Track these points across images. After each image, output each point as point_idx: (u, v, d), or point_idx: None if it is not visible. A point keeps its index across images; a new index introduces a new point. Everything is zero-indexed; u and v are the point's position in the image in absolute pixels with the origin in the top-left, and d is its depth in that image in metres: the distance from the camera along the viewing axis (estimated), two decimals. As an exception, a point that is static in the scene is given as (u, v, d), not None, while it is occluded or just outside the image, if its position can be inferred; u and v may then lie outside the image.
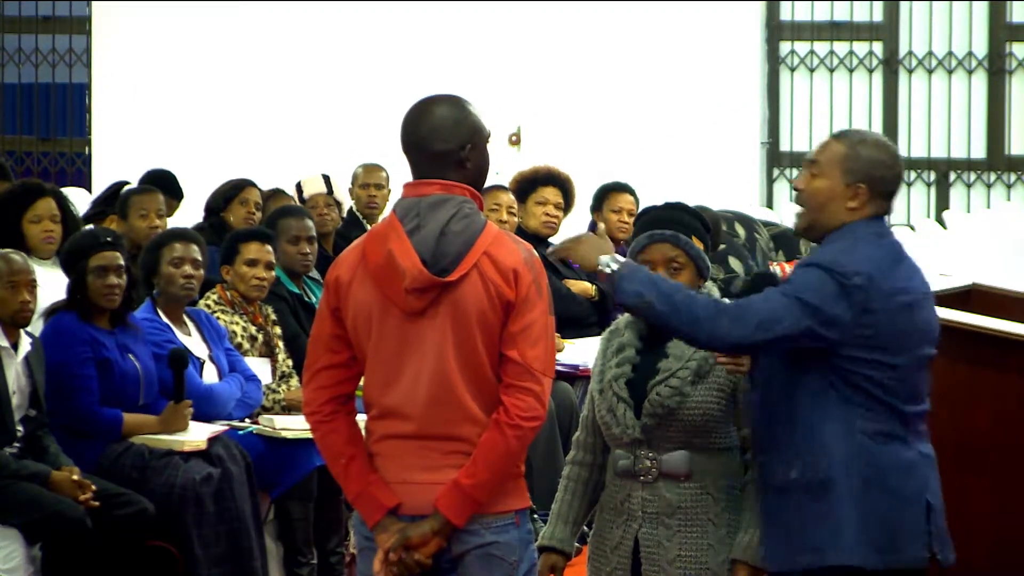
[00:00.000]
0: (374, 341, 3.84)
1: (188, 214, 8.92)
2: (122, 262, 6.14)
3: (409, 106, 3.95)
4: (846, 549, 3.89)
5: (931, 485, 4.00)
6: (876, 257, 3.95)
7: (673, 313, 3.89)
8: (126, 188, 8.11)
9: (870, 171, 4.01)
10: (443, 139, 3.87)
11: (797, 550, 3.95)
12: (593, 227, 8.78)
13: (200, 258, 6.49)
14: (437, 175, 3.88)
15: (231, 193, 8.35)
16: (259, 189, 8.49)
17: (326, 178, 8.49)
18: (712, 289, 4.36)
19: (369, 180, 9.06)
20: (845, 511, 3.89)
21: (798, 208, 4.15)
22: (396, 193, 8.59)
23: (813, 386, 3.94)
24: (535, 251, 3.96)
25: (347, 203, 8.83)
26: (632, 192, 8.76)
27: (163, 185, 8.45)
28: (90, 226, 7.59)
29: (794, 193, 4.19)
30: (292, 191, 8.71)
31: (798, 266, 4.00)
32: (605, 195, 8.74)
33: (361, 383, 3.95)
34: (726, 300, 4.01)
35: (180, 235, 6.60)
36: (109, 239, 6.19)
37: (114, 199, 8.00)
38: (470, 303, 3.79)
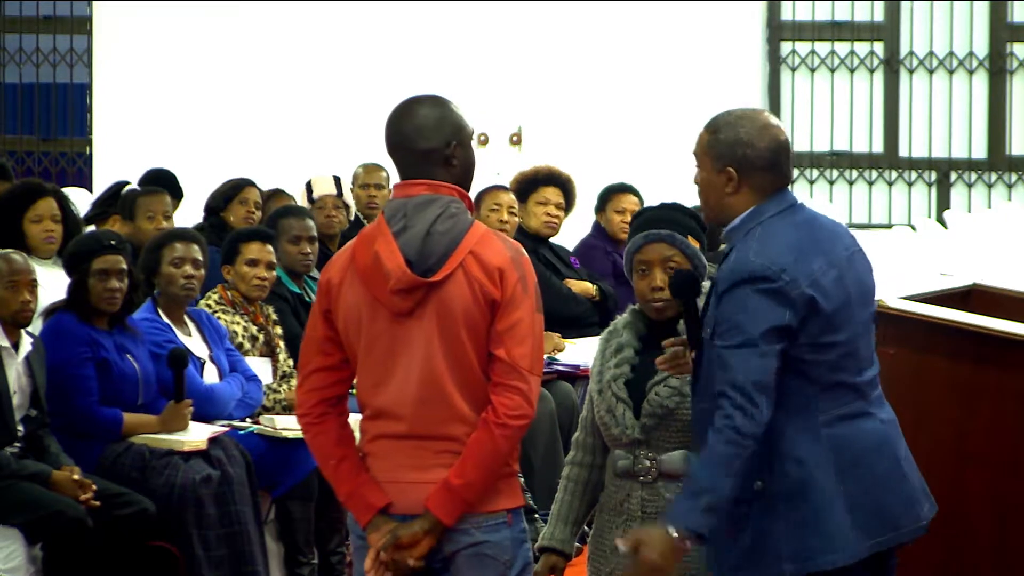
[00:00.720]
0: (364, 342, 3.85)
1: (188, 214, 8.92)
2: (124, 266, 6.15)
3: (394, 107, 3.96)
4: (830, 552, 3.80)
5: (900, 450, 3.92)
6: (791, 240, 3.82)
7: (727, 484, 3.71)
8: (129, 189, 8.10)
9: (732, 152, 3.89)
10: (427, 137, 3.88)
11: (771, 560, 3.83)
12: (596, 228, 8.78)
13: (201, 258, 6.50)
14: (424, 175, 3.88)
15: (231, 193, 8.34)
16: (259, 189, 8.48)
17: (336, 179, 8.47)
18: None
19: (369, 180, 9.06)
20: (826, 511, 3.80)
21: None
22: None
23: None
24: (524, 250, 3.95)
25: (354, 206, 8.83)
26: (636, 193, 8.76)
27: (163, 184, 8.44)
28: (91, 227, 7.60)
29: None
30: (295, 191, 8.71)
31: (723, 292, 3.80)
32: (609, 196, 8.74)
33: (355, 383, 3.96)
34: (724, 411, 3.75)
35: (181, 235, 6.60)
36: (113, 242, 6.19)
37: (115, 200, 8.00)
38: (456, 303, 3.80)
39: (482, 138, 10.75)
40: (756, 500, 3.82)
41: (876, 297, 4.13)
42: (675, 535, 3.69)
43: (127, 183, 8.47)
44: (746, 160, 3.89)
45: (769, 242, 3.82)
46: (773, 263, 3.77)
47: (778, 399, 3.77)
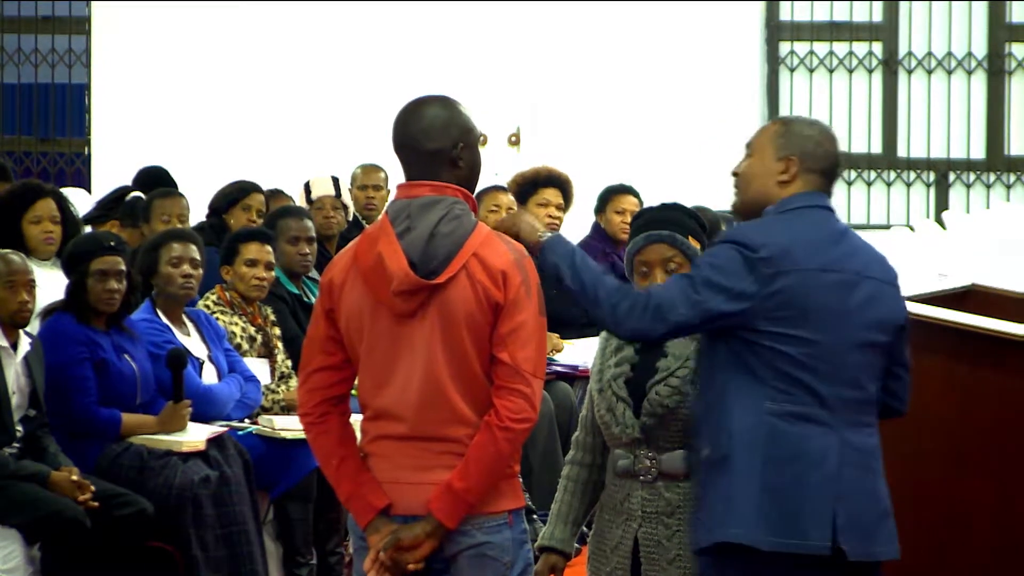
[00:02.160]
0: (366, 343, 3.85)
1: (190, 214, 8.91)
2: (123, 267, 6.15)
3: (401, 107, 3.96)
4: (734, 526, 3.83)
5: (847, 474, 3.89)
6: (798, 229, 3.93)
7: (580, 292, 3.93)
8: (135, 195, 8.10)
9: (801, 144, 4.02)
10: (434, 138, 3.87)
11: (695, 527, 3.94)
12: (595, 228, 8.78)
13: (198, 257, 6.49)
14: (429, 175, 3.88)
15: (235, 196, 8.25)
16: (264, 195, 8.39)
17: (335, 180, 8.46)
18: None
19: (367, 181, 9.05)
20: (741, 488, 3.84)
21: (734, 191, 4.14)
22: (394, 195, 8.53)
23: (727, 365, 3.92)
24: (527, 253, 3.95)
25: (352, 206, 8.82)
26: (636, 194, 8.76)
27: (157, 181, 8.47)
28: (89, 228, 7.60)
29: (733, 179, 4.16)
30: (293, 191, 8.71)
31: (713, 243, 4.00)
32: (609, 197, 8.74)
33: (355, 384, 3.96)
34: (638, 299, 3.93)
35: (178, 235, 6.61)
36: (112, 243, 6.20)
37: (117, 204, 8.00)
38: (458, 305, 3.79)
39: (481, 139, 10.81)
40: (702, 469, 3.94)
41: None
42: (541, 238, 3.96)
43: (129, 188, 8.46)
44: (811, 157, 4.03)
45: (775, 226, 3.95)
46: (762, 238, 3.88)
47: (734, 375, 3.88)
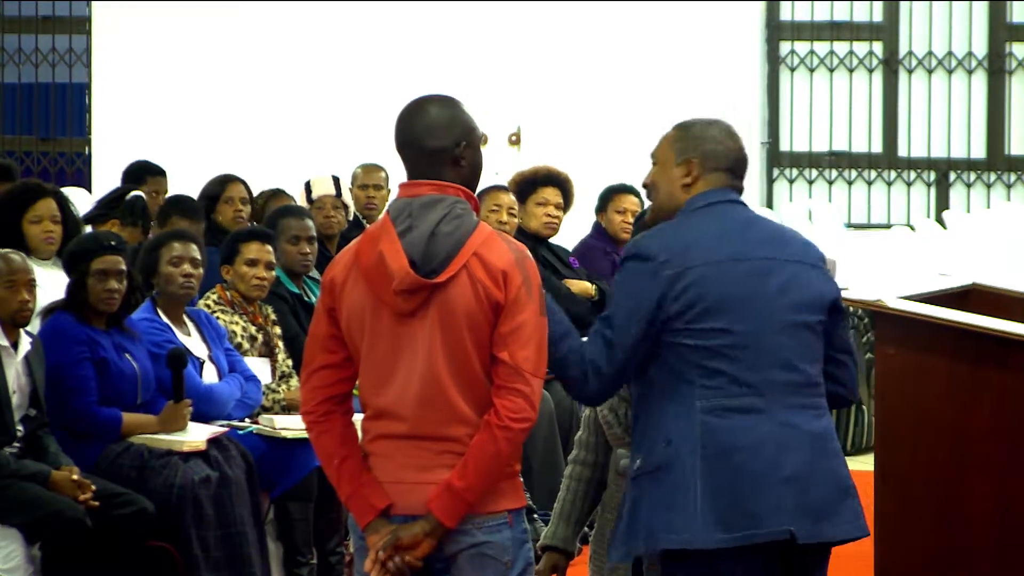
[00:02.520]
0: (367, 342, 3.85)
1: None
2: (124, 267, 6.15)
3: (404, 105, 3.96)
4: (680, 532, 3.80)
5: (792, 458, 3.86)
6: (700, 226, 3.94)
7: (556, 364, 3.93)
8: (131, 193, 8.10)
9: (700, 145, 4.03)
10: (438, 136, 3.87)
11: (633, 536, 3.88)
12: (596, 228, 8.78)
13: (199, 257, 6.49)
14: (432, 174, 3.88)
15: (216, 191, 8.32)
16: (243, 183, 8.42)
17: (335, 180, 8.45)
18: None
19: (368, 181, 9.05)
20: (683, 493, 3.81)
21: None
22: (395, 194, 8.54)
23: (654, 372, 3.91)
24: (529, 252, 3.95)
25: (353, 206, 8.82)
26: (637, 193, 8.76)
27: (143, 171, 8.53)
28: (89, 228, 7.60)
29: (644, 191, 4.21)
30: (294, 191, 8.71)
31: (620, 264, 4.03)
32: (610, 196, 8.74)
33: (357, 383, 3.95)
34: (579, 366, 3.95)
35: (178, 235, 6.60)
36: (113, 243, 6.20)
37: (117, 203, 8.00)
38: (459, 304, 3.79)
39: (482, 138, 10.84)
40: (634, 478, 3.91)
41: (875, 298, 4.13)
42: None
43: (132, 188, 8.47)
44: (710, 155, 4.04)
45: (673, 228, 3.97)
46: (657, 245, 3.91)
47: (660, 380, 3.89)
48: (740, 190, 4.06)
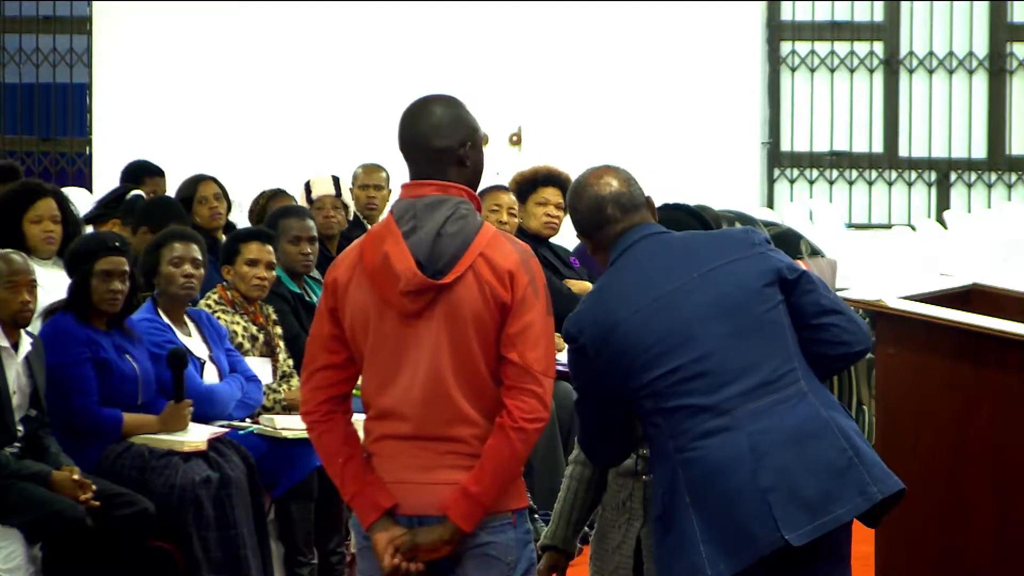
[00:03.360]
0: (371, 342, 3.84)
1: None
2: (127, 268, 6.15)
3: (407, 105, 3.96)
4: (688, 574, 3.83)
5: (771, 463, 3.82)
6: (597, 295, 3.99)
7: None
8: (131, 193, 8.11)
9: (573, 222, 4.12)
10: (443, 136, 3.87)
11: None
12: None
13: (200, 257, 6.49)
14: (436, 174, 3.87)
15: (188, 193, 8.33)
16: (214, 180, 8.41)
17: (335, 180, 8.44)
18: None
19: (368, 181, 9.05)
20: (681, 536, 3.84)
21: None
22: (396, 194, 8.55)
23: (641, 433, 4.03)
24: (533, 252, 3.95)
25: (353, 206, 8.82)
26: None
27: (142, 171, 8.51)
28: (90, 228, 7.60)
29: None
30: (294, 191, 8.71)
31: None
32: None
33: (359, 383, 3.95)
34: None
35: (179, 235, 6.60)
36: (117, 244, 6.20)
37: (118, 202, 8.00)
38: (465, 305, 3.79)
39: (484, 138, 10.86)
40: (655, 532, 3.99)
41: (876, 298, 4.11)
42: None
43: (132, 187, 8.48)
44: (580, 226, 4.10)
45: (587, 300, 4.04)
46: (576, 325, 3.99)
47: (646, 437, 4.00)
48: (621, 230, 4.02)
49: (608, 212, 4.03)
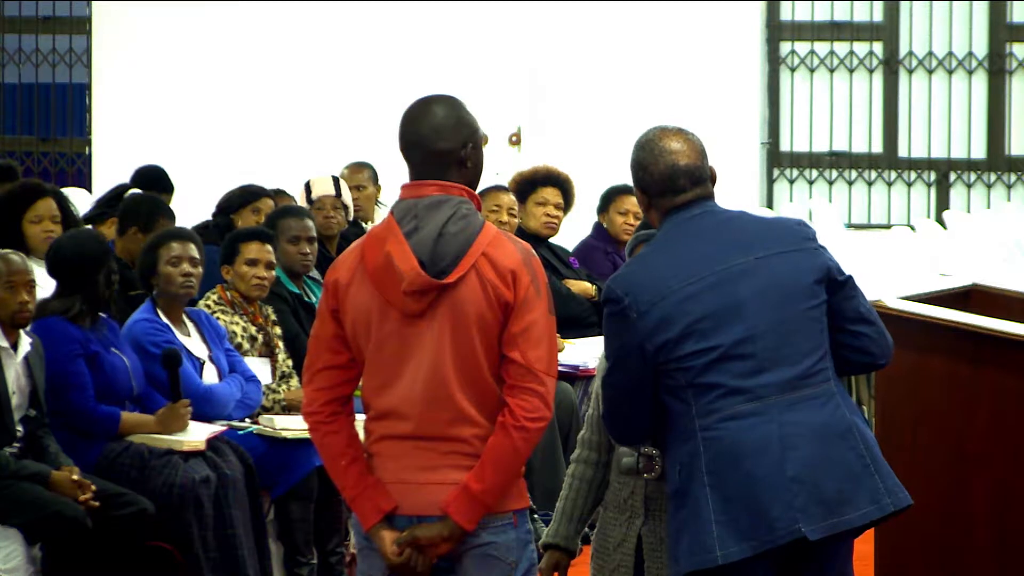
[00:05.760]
0: (373, 343, 3.84)
1: (188, 213, 8.92)
2: (114, 267, 6.19)
3: (407, 106, 3.96)
4: (700, 553, 3.83)
5: (797, 455, 3.84)
6: (652, 261, 3.97)
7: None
8: (130, 192, 8.08)
9: (635, 175, 4.06)
10: (445, 137, 3.88)
11: (671, 563, 3.96)
12: (597, 228, 8.78)
13: (198, 256, 6.49)
14: (437, 175, 3.88)
15: (247, 198, 8.23)
16: (274, 201, 8.35)
17: (335, 180, 8.42)
18: None
19: (350, 182, 9.01)
20: (697, 513, 3.84)
21: None
22: (383, 194, 8.54)
23: (661, 401, 3.96)
24: (534, 251, 3.95)
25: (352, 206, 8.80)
26: (639, 194, 8.75)
27: (154, 180, 8.45)
28: (89, 227, 7.60)
29: None
30: (294, 191, 8.70)
31: None
32: (612, 197, 8.73)
33: (359, 384, 3.95)
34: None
35: (177, 234, 6.59)
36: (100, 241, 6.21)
37: (116, 202, 7.99)
38: (468, 305, 3.79)
39: (484, 139, 10.90)
40: (669, 506, 3.98)
41: (875, 298, 4.11)
42: None
43: (128, 186, 8.47)
44: (644, 184, 4.05)
45: (634, 264, 4.02)
46: (623, 286, 3.93)
47: (667, 408, 3.94)
48: (701, 196, 4.02)
49: (680, 183, 4.02)
